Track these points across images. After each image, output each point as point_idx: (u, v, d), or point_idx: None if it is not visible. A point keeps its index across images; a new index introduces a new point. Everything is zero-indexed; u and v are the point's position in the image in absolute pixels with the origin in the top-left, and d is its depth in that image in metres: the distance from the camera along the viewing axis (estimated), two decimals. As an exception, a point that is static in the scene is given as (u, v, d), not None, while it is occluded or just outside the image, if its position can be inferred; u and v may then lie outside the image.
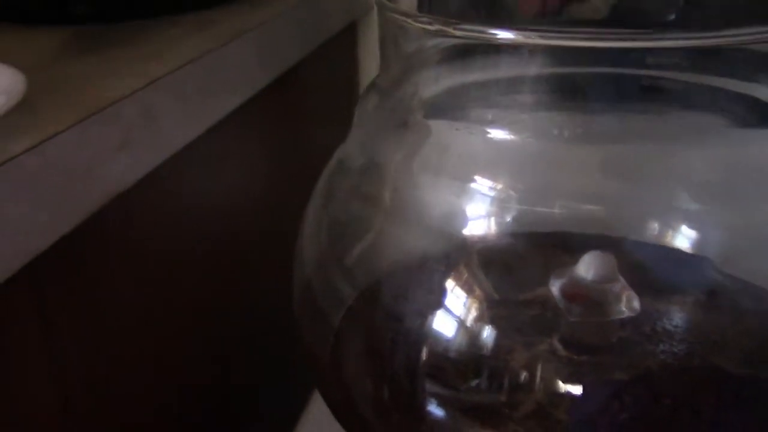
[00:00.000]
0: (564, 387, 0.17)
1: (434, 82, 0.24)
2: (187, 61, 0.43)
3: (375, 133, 0.25)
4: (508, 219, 0.20)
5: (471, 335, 0.18)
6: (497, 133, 0.21)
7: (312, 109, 0.68)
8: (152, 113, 0.41)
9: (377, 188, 0.24)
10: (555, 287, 0.18)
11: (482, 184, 0.20)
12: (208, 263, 0.51)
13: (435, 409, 0.19)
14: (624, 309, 0.17)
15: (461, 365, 0.18)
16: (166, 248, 0.46)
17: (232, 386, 0.56)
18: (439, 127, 0.24)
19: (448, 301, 0.19)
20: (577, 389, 0.17)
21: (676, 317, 0.17)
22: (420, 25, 0.22)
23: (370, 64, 0.79)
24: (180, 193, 0.47)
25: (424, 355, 0.19)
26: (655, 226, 0.18)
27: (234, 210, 0.55)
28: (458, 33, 0.21)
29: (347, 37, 0.74)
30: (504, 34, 0.20)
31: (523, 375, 0.18)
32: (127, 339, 0.43)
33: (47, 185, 0.34)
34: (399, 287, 0.21)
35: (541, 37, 0.19)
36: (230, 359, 0.56)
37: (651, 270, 0.18)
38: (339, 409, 0.22)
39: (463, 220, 0.20)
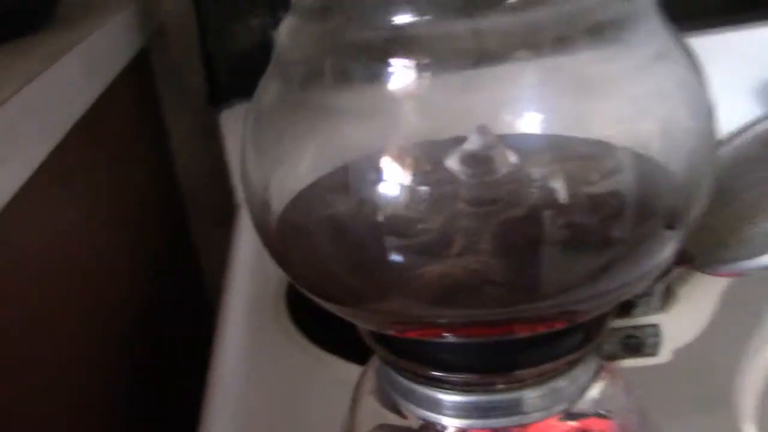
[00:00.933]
0: (476, 228, 0.24)
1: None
2: (22, 84, 0.42)
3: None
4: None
5: (408, 199, 0.23)
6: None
7: (118, 145, 0.67)
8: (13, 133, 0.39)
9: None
10: (452, 161, 0.24)
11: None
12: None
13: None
14: (504, 166, 0.24)
15: (401, 221, 0.23)
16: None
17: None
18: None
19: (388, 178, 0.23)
20: (487, 229, 0.24)
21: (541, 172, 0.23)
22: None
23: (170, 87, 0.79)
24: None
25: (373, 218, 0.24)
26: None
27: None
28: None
29: (139, 64, 0.72)
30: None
31: (447, 226, 0.24)
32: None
33: None
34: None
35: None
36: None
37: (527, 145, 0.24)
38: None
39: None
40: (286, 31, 0.27)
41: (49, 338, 0.46)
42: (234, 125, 0.72)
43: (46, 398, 0.45)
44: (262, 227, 0.27)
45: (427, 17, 0.22)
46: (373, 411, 0.31)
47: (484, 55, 0.22)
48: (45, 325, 0.46)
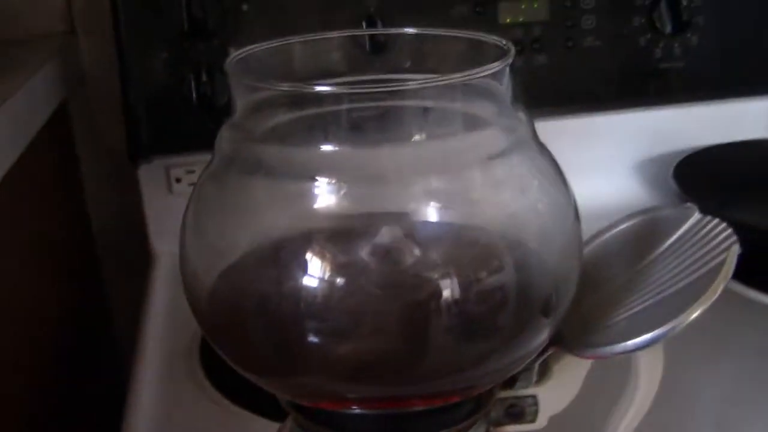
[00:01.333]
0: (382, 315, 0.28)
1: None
2: None
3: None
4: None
5: (328, 288, 0.27)
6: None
7: (39, 199, 0.69)
8: None
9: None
10: (364, 251, 0.28)
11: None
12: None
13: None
14: (409, 257, 0.27)
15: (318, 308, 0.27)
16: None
17: None
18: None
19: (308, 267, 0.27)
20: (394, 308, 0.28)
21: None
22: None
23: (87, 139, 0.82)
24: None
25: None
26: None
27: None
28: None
29: (58, 114, 0.75)
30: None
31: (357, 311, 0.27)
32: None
33: None
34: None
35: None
36: None
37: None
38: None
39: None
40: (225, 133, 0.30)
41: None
42: (151, 180, 0.74)
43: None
44: (193, 300, 0.31)
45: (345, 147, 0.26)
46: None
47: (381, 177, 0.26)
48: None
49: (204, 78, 0.69)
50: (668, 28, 0.76)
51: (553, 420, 0.33)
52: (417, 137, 0.26)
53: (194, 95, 0.69)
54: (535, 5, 0.74)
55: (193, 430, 0.52)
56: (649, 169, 0.80)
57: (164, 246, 0.74)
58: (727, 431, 0.45)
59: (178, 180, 0.74)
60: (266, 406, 0.50)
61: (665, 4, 0.75)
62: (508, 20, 0.73)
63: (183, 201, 0.77)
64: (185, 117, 0.71)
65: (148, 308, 0.67)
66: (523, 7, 0.74)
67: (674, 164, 0.76)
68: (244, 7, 0.70)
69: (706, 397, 0.49)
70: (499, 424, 0.33)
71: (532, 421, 0.33)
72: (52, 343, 0.69)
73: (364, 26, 0.70)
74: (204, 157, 0.76)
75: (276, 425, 0.50)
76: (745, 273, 0.61)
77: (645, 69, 0.77)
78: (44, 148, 0.68)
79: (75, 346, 0.77)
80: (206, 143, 0.75)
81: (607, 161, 0.78)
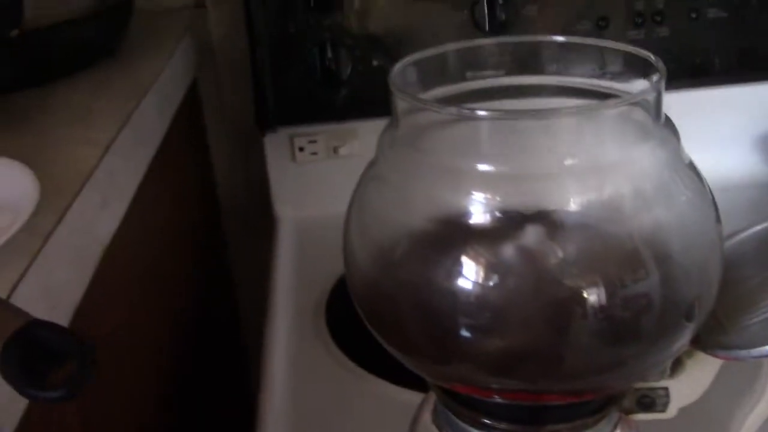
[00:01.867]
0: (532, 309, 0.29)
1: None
2: (122, 124, 0.50)
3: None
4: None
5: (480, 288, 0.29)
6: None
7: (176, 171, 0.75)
8: (113, 174, 0.47)
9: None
10: (516, 252, 0.29)
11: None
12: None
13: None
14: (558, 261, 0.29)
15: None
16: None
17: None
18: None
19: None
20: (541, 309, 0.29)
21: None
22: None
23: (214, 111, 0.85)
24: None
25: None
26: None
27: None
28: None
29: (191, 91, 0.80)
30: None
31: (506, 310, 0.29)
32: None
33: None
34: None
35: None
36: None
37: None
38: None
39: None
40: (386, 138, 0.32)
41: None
42: (276, 148, 0.78)
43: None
44: (354, 288, 0.33)
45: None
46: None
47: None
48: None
49: (329, 53, 0.71)
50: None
51: (683, 411, 0.35)
52: (569, 161, 0.28)
53: (318, 68, 0.72)
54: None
55: (323, 392, 0.55)
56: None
57: (287, 211, 0.79)
58: None
59: (301, 149, 0.77)
60: (392, 371, 0.54)
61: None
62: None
63: (305, 168, 0.81)
64: (309, 89, 0.74)
65: (276, 268, 0.71)
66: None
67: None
68: (368, -17, 0.71)
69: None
70: (630, 412, 0.35)
71: (662, 411, 0.35)
72: (183, 313, 0.74)
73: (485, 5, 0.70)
74: (326, 128, 0.79)
75: (395, 389, 0.53)
76: None
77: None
78: (181, 123, 0.73)
79: (202, 313, 0.82)
80: (328, 115, 0.79)
81: (731, 134, 0.76)
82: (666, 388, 0.35)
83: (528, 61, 0.34)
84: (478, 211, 0.29)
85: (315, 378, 0.57)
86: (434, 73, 0.34)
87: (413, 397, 0.39)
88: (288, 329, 0.63)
